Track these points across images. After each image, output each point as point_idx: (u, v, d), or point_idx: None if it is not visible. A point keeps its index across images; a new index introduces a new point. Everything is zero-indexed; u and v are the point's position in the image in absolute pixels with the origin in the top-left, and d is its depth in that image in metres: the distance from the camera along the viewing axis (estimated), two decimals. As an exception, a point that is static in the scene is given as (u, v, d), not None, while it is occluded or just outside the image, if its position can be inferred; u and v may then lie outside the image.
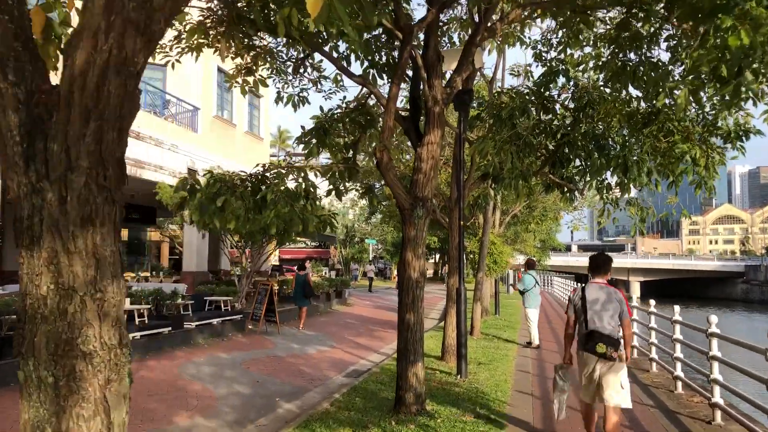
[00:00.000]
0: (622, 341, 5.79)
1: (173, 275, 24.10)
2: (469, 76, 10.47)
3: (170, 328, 13.38)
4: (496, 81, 13.05)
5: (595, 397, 5.96)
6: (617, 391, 5.78)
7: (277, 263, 43.06)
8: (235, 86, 8.82)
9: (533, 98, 9.58)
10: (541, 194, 20.31)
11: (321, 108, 8.65)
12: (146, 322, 13.03)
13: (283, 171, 9.09)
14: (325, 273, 60.78)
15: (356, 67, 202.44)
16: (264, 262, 29.40)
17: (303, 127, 8.99)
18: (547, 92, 9.69)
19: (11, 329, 9.86)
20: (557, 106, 9.83)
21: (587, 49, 9.09)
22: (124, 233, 32.71)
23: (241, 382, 10.22)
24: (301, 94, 9.52)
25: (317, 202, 9.38)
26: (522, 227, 28.47)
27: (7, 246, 21.36)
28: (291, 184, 8.63)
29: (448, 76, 8.88)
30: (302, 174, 9.06)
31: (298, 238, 31.49)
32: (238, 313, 16.99)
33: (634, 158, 8.29)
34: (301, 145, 9.09)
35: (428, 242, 36.63)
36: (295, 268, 30.51)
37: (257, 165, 8.97)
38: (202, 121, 24.33)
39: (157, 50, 8.19)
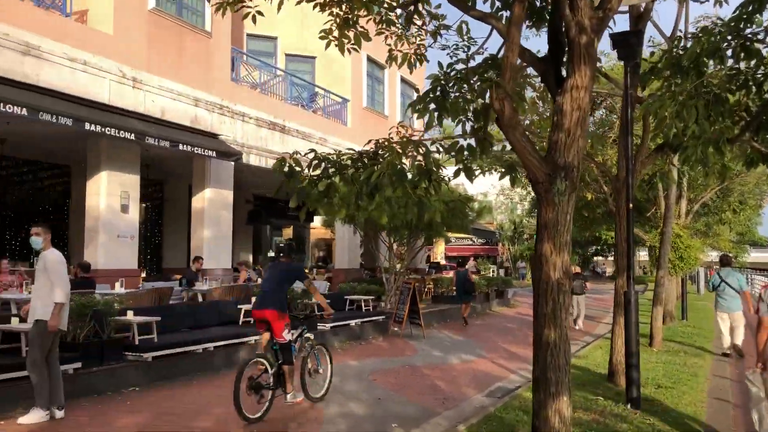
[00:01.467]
0: None
1: (325, 272, 23.38)
2: (640, 16, 8.11)
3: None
4: (677, 31, 10.38)
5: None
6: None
7: (436, 261, 41.56)
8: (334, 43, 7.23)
9: (728, 37, 7.05)
10: (738, 175, 16.78)
11: (440, 64, 6.76)
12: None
13: (398, 147, 7.38)
14: (493, 271, 58.60)
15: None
16: (420, 258, 28.06)
17: (417, 91, 7.21)
18: (749, 28, 7.10)
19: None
20: (764, 49, 7.18)
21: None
22: (287, 231, 32.92)
23: (360, 398, 8.67)
24: (418, 51, 7.76)
25: (442, 184, 7.63)
26: (714, 218, 24.48)
27: (166, 244, 21.81)
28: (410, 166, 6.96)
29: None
30: (421, 149, 7.34)
31: (453, 234, 29.74)
32: (380, 314, 15.60)
33: None
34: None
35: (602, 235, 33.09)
36: (456, 265, 28.99)
37: (369, 141, 7.33)
38: (351, 113, 23.40)
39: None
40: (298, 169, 6.87)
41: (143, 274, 16.93)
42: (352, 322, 14.29)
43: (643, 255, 33.70)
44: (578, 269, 23.97)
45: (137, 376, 8.78)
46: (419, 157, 6.98)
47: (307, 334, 8.32)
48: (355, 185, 6.83)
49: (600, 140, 11.80)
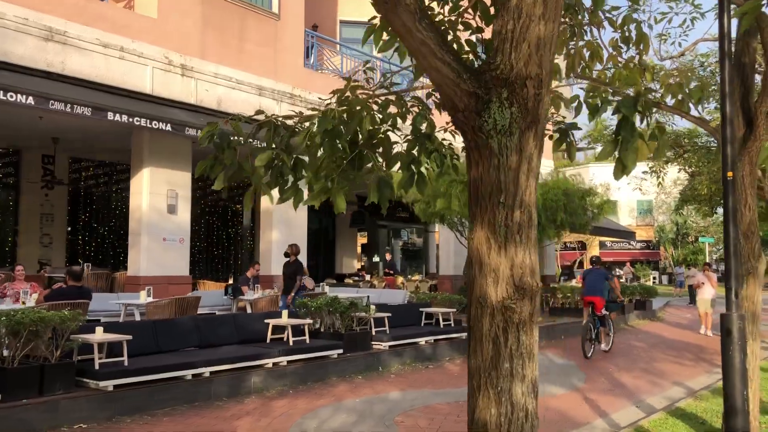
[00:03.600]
0: None
1: (429, 280, 21.10)
2: None
3: (341, 351, 10.12)
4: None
5: None
6: None
7: (568, 265, 37.63)
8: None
9: None
10: None
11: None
12: (307, 341, 9.95)
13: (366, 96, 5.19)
14: (654, 278, 52.79)
15: None
16: (545, 262, 24.83)
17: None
18: None
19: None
20: None
21: None
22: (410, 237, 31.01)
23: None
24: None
25: (446, 155, 5.39)
26: None
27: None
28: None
29: None
30: (402, 101, 5.15)
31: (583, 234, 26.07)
32: (464, 331, 13.06)
33: None
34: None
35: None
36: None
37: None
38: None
39: None
40: (235, 138, 4.82)
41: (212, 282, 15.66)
42: (422, 340, 11.92)
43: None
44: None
45: (89, 410, 7.09)
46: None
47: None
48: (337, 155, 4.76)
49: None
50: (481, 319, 2.66)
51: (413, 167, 5.33)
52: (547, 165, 20.47)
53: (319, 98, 15.68)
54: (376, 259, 24.37)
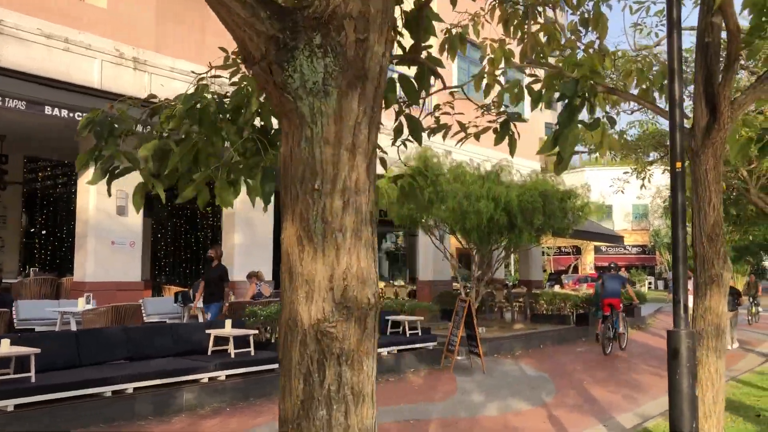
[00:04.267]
0: None
1: (408, 285, 20.37)
2: None
3: (288, 363, 9.38)
4: None
5: None
6: None
7: (557, 271, 36.93)
8: None
9: None
10: None
11: None
12: (252, 353, 9.20)
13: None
14: (649, 284, 52.03)
15: None
16: (532, 268, 24.10)
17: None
18: None
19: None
20: None
21: None
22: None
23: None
24: None
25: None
26: None
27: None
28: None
29: None
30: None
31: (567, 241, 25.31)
32: (431, 340, 12.34)
33: None
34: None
35: None
36: (597, 275, 24.55)
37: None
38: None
39: None
40: (117, 126, 4.11)
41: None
42: (384, 351, 11.18)
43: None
44: (753, 279, 19.20)
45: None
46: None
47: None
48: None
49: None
50: (290, 349, 1.94)
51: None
52: (526, 165, 19.73)
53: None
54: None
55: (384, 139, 4.89)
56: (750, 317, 21.78)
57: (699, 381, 5.12)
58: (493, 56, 6.39)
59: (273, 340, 9.95)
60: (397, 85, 4.68)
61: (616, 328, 14.47)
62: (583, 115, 4.69)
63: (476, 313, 18.52)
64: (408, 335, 11.99)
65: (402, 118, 5.08)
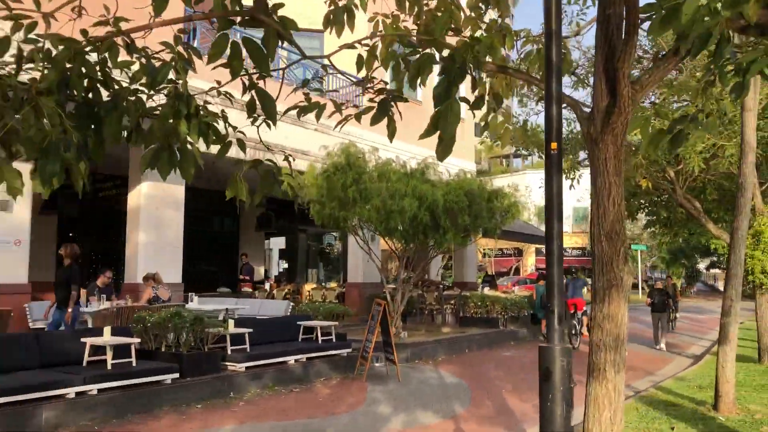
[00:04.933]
0: None
1: (337, 288, 19.60)
2: None
3: (176, 375, 8.50)
4: None
5: None
6: None
7: (491, 273, 36.74)
8: None
9: None
10: None
11: None
12: (134, 364, 8.28)
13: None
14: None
15: None
16: (466, 269, 23.56)
17: None
18: None
19: None
20: None
21: None
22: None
23: None
24: None
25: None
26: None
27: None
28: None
29: None
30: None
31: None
32: (347, 346, 11.60)
33: None
34: None
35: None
36: (537, 276, 23.99)
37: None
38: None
39: None
40: None
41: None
42: (291, 359, 10.38)
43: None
44: (660, 284, 18.87)
45: None
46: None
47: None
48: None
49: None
50: None
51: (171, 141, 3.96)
52: (456, 164, 19.19)
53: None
54: (285, 265, 22.74)
55: (238, 116, 4.09)
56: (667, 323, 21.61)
57: (595, 399, 4.52)
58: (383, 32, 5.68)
59: (163, 349, 9.03)
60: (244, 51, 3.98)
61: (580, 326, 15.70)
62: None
63: (406, 317, 17.94)
64: (321, 341, 11.21)
65: (253, 93, 4.36)
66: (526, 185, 39.61)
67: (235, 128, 5.04)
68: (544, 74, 3.54)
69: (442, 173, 15.27)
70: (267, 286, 19.39)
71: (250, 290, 17.82)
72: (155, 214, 13.17)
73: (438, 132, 3.95)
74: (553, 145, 3.33)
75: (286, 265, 23.88)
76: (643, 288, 44.80)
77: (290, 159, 4.99)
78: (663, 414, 8.10)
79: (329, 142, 14.60)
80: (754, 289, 12.52)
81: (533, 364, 13.23)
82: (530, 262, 56.73)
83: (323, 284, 23.08)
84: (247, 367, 9.55)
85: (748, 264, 11.98)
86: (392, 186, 13.31)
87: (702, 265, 59.76)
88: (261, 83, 4.44)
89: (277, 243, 29.54)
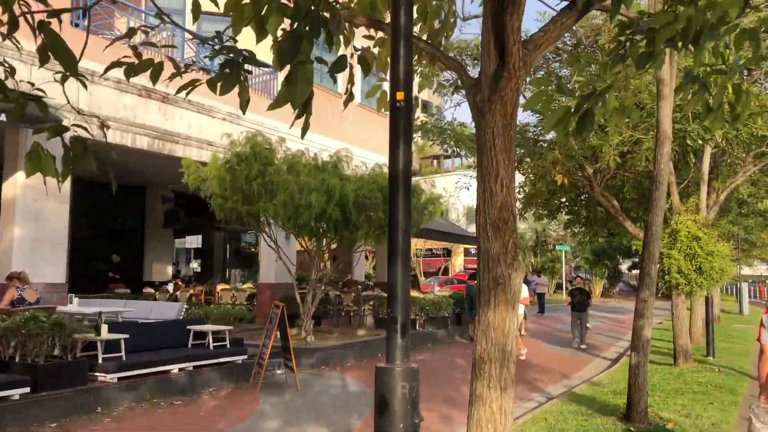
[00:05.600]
0: None
1: (248, 289, 18.53)
2: None
3: (27, 390, 7.36)
4: None
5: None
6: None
7: (413, 272, 36.30)
8: None
9: None
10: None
11: None
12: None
13: None
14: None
15: None
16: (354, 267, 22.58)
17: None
18: None
19: None
20: None
21: None
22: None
23: None
24: None
25: None
26: (753, 219, 18.65)
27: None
28: None
29: None
30: None
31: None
32: (242, 353, 10.62)
33: None
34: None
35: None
36: (467, 277, 23.32)
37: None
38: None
39: None
40: None
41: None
42: (175, 368, 9.34)
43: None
44: (580, 282, 18.58)
45: None
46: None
47: None
48: None
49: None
50: None
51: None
52: (365, 157, 18.39)
53: (93, 69, 12.88)
54: (194, 265, 21.46)
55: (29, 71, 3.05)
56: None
57: (477, 422, 3.76)
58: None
59: (17, 359, 7.86)
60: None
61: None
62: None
63: (321, 319, 17.04)
64: (212, 348, 10.20)
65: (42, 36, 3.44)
66: (455, 185, 39.29)
67: (32, 84, 4.08)
68: (390, 4, 2.73)
69: (357, 167, 14.47)
70: (170, 286, 18.10)
71: (126, 290, 16.59)
72: (33, 207, 11.84)
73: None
74: (399, 95, 2.52)
75: (197, 265, 22.58)
76: (566, 288, 45.17)
77: (105, 128, 4.06)
78: (572, 426, 7.50)
79: (238, 132, 13.57)
80: (670, 289, 12.22)
81: (447, 367, 12.67)
82: (459, 262, 56.72)
83: (238, 285, 21.93)
84: (120, 378, 8.46)
85: (664, 263, 11.66)
86: (301, 180, 12.41)
87: (624, 266, 61.07)
88: (55, 26, 3.51)
89: (193, 242, 28.14)
